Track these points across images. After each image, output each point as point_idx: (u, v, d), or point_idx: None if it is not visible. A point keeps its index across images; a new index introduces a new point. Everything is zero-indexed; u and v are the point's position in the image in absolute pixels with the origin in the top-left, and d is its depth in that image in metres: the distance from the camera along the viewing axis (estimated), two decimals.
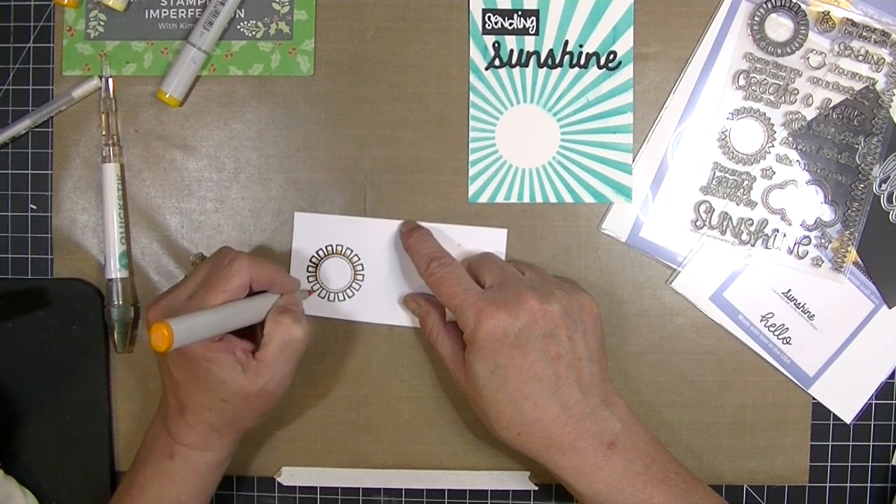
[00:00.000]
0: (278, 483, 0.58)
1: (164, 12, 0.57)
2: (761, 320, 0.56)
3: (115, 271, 0.56)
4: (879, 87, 0.55)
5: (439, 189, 0.56)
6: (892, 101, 0.55)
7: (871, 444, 0.57)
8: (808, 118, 0.55)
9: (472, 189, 0.56)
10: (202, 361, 0.47)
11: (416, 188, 0.56)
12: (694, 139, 0.56)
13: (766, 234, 0.56)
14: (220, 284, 0.48)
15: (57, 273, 0.57)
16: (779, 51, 0.55)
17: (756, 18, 0.55)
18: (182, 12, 0.57)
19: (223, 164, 0.57)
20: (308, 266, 0.56)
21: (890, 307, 0.56)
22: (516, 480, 0.57)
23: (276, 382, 0.49)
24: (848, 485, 0.57)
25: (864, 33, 0.54)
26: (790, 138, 0.55)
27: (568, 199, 0.56)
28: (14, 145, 0.57)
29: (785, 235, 0.56)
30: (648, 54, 0.56)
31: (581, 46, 0.56)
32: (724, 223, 0.56)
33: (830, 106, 0.55)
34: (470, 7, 0.56)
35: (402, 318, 0.57)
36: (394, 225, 0.56)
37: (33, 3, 0.57)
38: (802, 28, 0.55)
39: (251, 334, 0.51)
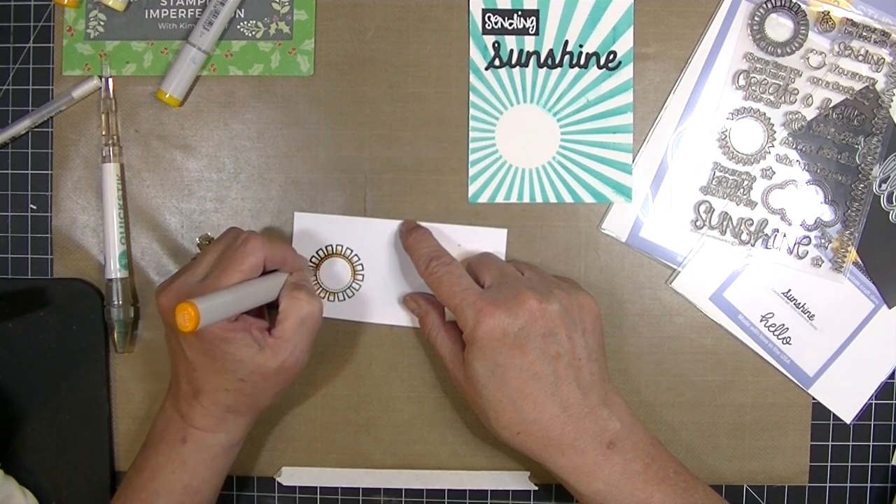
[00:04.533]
0: (278, 483, 0.58)
1: (164, 12, 0.57)
2: (761, 320, 0.56)
3: (115, 271, 0.56)
4: (879, 87, 0.55)
5: (439, 189, 0.56)
6: (892, 101, 0.55)
7: (871, 444, 0.57)
8: (808, 118, 0.55)
9: (472, 189, 0.56)
10: (219, 342, 0.47)
11: (416, 188, 0.56)
12: (694, 139, 0.56)
13: (766, 234, 0.56)
14: (235, 264, 0.48)
15: (57, 273, 0.57)
16: (779, 51, 0.55)
17: (756, 18, 0.55)
18: (182, 12, 0.57)
19: (223, 164, 0.57)
20: (308, 266, 0.56)
21: (890, 307, 0.56)
22: (516, 480, 0.57)
23: (296, 358, 0.49)
24: (848, 485, 0.57)
25: (864, 33, 0.54)
26: (790, 138, 0.55)
27: (568, 199, 0.56)
28: (14, 145, 0.57)
29: (785, 235, 0.56)
30: (648, 54, 0.56)
31: (581, 46, 0.56)
32: (724, 223, 0.56)
33: (830, 106, 0.55)
34: (470, 7, 0.56)
35: (402, 318, 0.57)
36: (394, 225, 0.56)
37: (33, 3, 0.57)
38: (802, 28, 0.55)
39: (260, 314, 0.51)
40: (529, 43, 0.56)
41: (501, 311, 0.47)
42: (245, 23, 0.56)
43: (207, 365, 0.48)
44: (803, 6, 0.55)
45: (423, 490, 0.57)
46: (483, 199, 0.56)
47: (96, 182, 0.57)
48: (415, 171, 0.56)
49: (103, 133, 0.56)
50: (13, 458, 0.57)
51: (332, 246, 0.57)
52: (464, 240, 0.56)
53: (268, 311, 0.53)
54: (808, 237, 0.55)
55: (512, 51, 0.56)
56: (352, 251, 0.56)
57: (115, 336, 0.56)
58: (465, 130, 0.56)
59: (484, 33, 0.56)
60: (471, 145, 0.56)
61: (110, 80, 0.56)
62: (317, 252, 0.57)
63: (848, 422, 0.57)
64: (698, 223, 0.56)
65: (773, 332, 0.56)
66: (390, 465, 0.57)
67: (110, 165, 0.56)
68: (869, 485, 0.57)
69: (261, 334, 0.48)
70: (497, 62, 0.56)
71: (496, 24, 0.56)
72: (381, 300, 0.56)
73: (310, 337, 0.50)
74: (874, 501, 0.57)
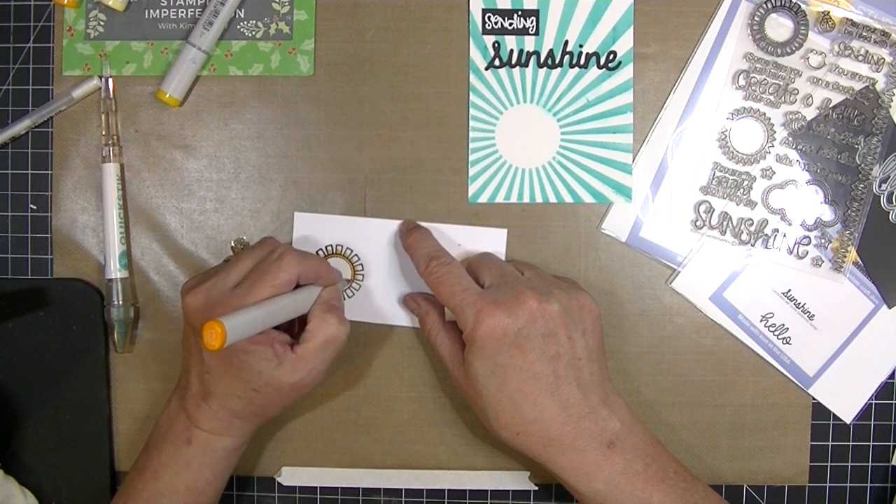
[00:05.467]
0: (278, 483, 0.58)
1: (164, 12, 0.57)
2: (761, 320, 0.56)
3: (115, 271, 0.56)
4: (879, 87, 0.55)
5: (439, 189, 0.56)
6: (892, 101, 0.55)
7: (871, 444, 0.57)
8: (808, 118, 0.55)
9: (472, 189, 0.56)
10: (239, 352, 0.47)
11: (416, 188, 0.56)
12: (694, 139, 0.56)
13: (766, 234, 0.56)
14: (268, 279, 0.48)
15: (57, 273, 0.57)
16: (779, 51, 0.55)
17: (756, 18, 0.55)
18: (182, 12, 0.57)
19: (223, 164, 0.57)
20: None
21: (890, 307, 0.56)
22: (516, 480, 0.57)
23: (312, 378, 0.49)
24: (848, 485, 0.57)
25: (864, 33, 0.54)
26: (790, 138, 0.55)
27: (568, 199, 0.56)
28: (14, 145, 0.57)
29: (785, 235, 0.56)
30: (648, 54, 0.56)
31: (581, 46, 0.56)
32: (724, 223, 0.56)
33: (830, 106, 0.55)
34: (470, 7, 0.56)
35: (402, 318, 0.57)
36: (394, 225, 0.56)
37: (33, 3, 0.57)
38: (802, 28, 0.55)
39: (288, 323, 0.51)
40: (529, 43, 0.56)
41: (501, 311, 0.47)
42: (245, 23, 0.56)
43: (223, 370, 0.48)
44: (803, 6, 0.55)
45: (423, 490, 0.57)
46: (483, 199, 0.56)
47: (96, 182, 0.57)
48: (415, 171, 0.56)
49: (103, 133, 0.56)
50: (13, 458, 0.57)
51: (332, 246, 0.56)
52: (464, 240, 0.56)
53: (297, 320, 0.52)
54: (808, 237, 0.55)
55: (512, 51, 0.56)
56: (352, 251, 0.56)
57: (115, 336, 0.56)
58: (465, 130, 0.56)
59: (484, 33, 0.56)
60: (471, 145, 0.56)
61: (110, 80, 0.56)
62: (317, 252, 0.56)
63: (848, 422, 0.57)
64: (698, 223, 0.56)
65: (773, 332, 0.56)
66: (390, 465, 0.57)
67: (110, 165, 0.56)
68: (869, 485, 0.57)
69: (282, 349, 0.48)
70: (497, 62, 0.56)
71: (496, 24, 0.56)
72: (381, 300, 0.56)
73: (329, 360, 0.50)
74: (874, 501, 0.57)
